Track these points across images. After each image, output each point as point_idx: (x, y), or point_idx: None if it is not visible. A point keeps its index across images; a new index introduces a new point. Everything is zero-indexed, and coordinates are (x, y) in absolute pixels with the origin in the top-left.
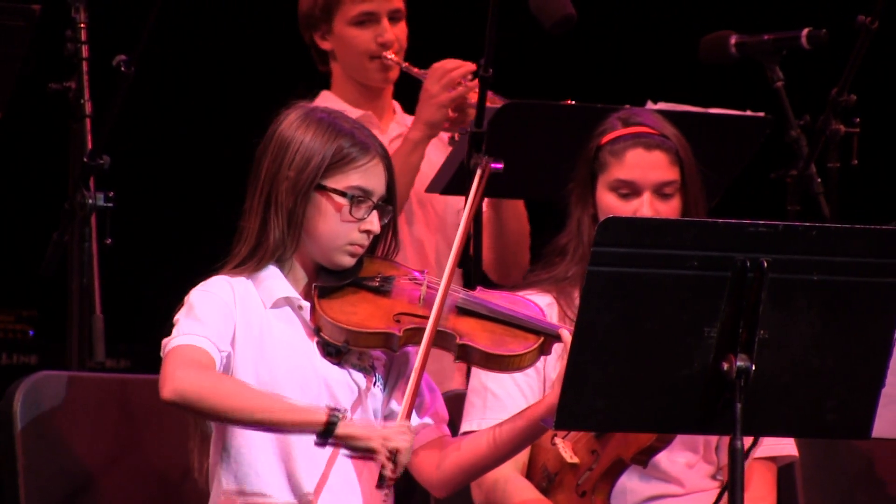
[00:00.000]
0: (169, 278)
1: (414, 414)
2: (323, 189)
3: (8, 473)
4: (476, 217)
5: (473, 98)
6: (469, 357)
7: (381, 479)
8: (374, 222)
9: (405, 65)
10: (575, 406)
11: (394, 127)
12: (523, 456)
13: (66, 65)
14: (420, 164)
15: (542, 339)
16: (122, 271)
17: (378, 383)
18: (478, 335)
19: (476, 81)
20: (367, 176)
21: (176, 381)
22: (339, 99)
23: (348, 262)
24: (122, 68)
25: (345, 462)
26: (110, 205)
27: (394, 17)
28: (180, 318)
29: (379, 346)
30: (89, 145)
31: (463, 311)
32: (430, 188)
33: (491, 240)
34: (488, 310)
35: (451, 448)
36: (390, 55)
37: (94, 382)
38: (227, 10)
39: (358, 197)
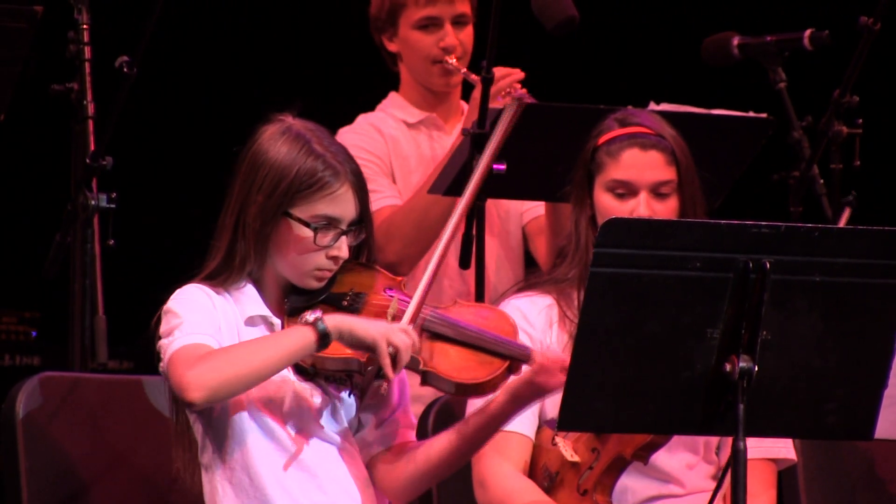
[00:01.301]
0: (171, 280)
1: (378, 418)
2: (289, 216)
3: (10, 474)
4: (479, 221)
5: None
6: (435, 383)
7: (380, 375)
8: (342, 248)
9: (464, 70)
10: (577, 407)
11: (459, 129)
12: (525, 456)
13: (68, 66)
14: None
15: (508, 363)
16: (124, 273)
17: (353, 393)
18: (442, 361)
19: (525, 90)
20: (335, 204)
21: (194, 384)
22: (406, 101)
23: (316, 285)
24: (125, 69)
25: (341, 469)
26: (113, 206)
27: (458, 22)
28: (167, 325)
29: (343, 370)
30: (92, 146)
31: (431, 335)
32: (433, 189)
33: (549, 241)
34: (455, 332)
35: (411, 453)
36: (451, 60)
37: (97, 384)
38: (229, 11)
39: (324, 226)
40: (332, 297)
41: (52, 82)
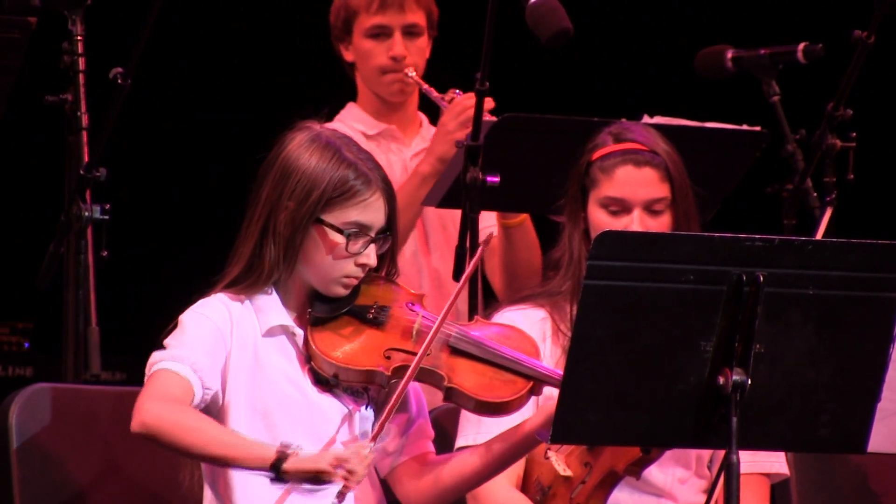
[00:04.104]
0: (164, 291)
1: (400, 429)
2: (321, 223)
3: (3, 485)
4: (472, 233)
5: None
6: (457, 399)
7: (339, 494)
8: (370, 256)
9: (425, 86)
10: (570, 420)
11: (418, 141)
12: (518, 469)
13: (62, 77)
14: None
15: (531, 384)
16: (117, 284)
17: (370, 406)
18: (467, 378)
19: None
20: (367, 211)
21: (143, 413)
22: (363, 111)
23: (342, 292)
24: (119, 80)
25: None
26: (106, 217)
27: (410, 33)
28: (171, 340)
29: (367, 382)
30: (85, 158)
31: (454, 351)
32: (426, 202)
33: (501, 267)
34: (480, 350)
35: (435, 466)
36: (410, 72)
37: (90, 395)
38: (223, 22)
39: (355, 233)
40: (356, 309)
41: (46, 93)
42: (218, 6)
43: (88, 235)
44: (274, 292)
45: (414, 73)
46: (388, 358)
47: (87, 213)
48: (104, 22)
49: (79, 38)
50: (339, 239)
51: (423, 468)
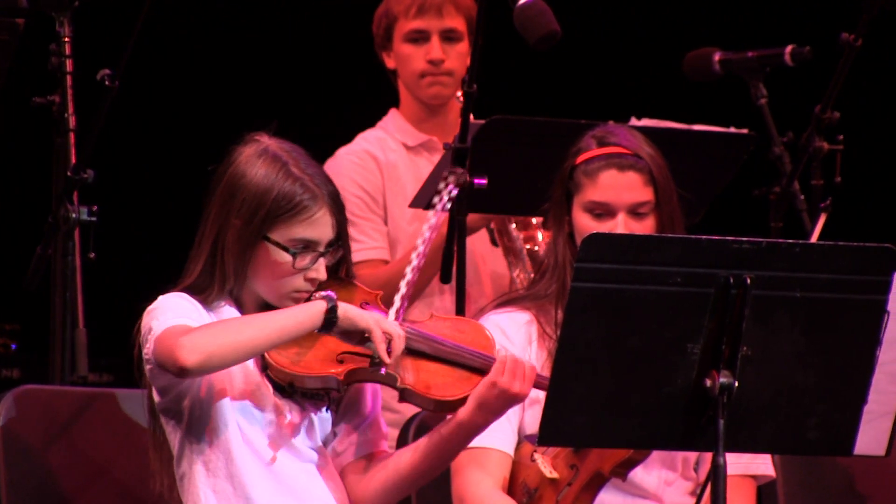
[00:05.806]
0: (152, 293)
1: (350, 427)
2: (267, 240)
3: None
4: (460, 235)
5: None
6: (412, 400)
7: (374, 361)
8: (319, 270)
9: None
10: (557, 422)
11: None
12: (505, 472)
13: (50, 79)
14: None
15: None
16: (105, 285)
17: (329, 409)
18: (420, 378)
19: None
20: (313, 227)
21: (187, 348)
22: (405, 120)
23: (293, 306)
24: (106, 82)
25: (320, 487)
26: (94, 219)
27: (449, 38)
28: (150, 320)
29: (322, 387)
30: (73, 159)
31: (407, 351)
32: (414, 203)
33: None
34: (432, 347)
35: (382, 463)
36: (459, 97)
37: (77, 396)
38: (211, 24)
39: (301, 249)
40: None
41: (34, 95)
42: (206, 8)
43: (76, 237)
44: (230, 303)
45: (460, 95)
46: (342, 362)
47: (74, 215)
48: (92, 23)
49: (66, 39)
50: (285, 257)
51: (371, 466)
